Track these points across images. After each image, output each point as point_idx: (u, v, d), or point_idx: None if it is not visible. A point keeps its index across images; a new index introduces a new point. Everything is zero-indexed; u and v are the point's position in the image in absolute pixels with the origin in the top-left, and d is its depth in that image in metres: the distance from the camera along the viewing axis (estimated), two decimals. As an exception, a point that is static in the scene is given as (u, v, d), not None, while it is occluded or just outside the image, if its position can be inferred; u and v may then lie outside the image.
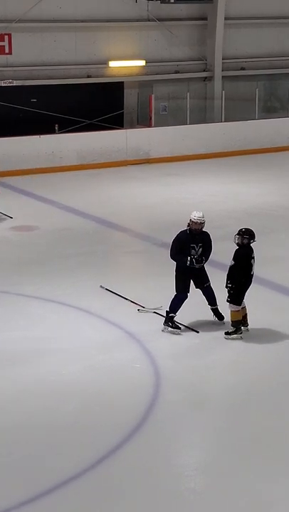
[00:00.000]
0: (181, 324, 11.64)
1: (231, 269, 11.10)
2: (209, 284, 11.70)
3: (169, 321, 11.53)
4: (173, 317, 11.53)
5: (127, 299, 12.69)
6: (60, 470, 8.16)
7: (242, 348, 10.99)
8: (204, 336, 11.34)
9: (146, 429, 8.97)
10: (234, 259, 11.11)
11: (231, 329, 11.19)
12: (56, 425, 9.08)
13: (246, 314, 11.34)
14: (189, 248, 11.47)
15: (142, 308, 12.32)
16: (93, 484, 7.96)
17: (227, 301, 11.14)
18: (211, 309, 11.81)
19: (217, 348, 11.03)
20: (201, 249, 11.51)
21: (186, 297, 11.51)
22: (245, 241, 11.11)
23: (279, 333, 11.46)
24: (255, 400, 9.68)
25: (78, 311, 12.36)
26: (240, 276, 11.02)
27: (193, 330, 11.51)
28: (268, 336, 11.34)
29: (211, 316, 11.75)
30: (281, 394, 9.86)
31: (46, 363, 10.58)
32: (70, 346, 11.09)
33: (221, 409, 9.51)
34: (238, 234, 11.21)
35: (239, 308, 11.14)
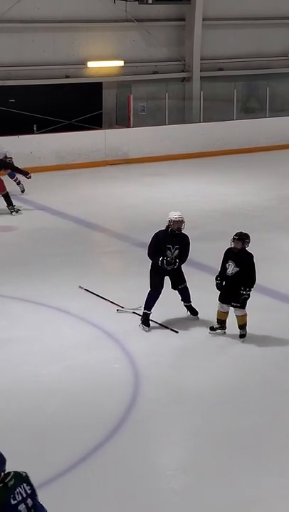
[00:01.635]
0: (159, 324, 11.68)
1: (239, 275, 11.02)
2: (185, 286, 11.80)
3: (143, 318, 11.70)
4: (147, 314, 11.67)
5: (106, 299, 12.70)
6: (38, 471, 8.14)
7: (222, 347, 11.04)
8: (183, 335, 11.37)
9: (125, 428, 8.99)
10: (239, 265, 11.02)
11: (242, 331, 11.27)
12: (36, 426, 9.07)
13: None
14: (165, 248, 11.52)
15: (120, 308, 12.34)
16: (73, 484, 7.97)
17: (235, 306, 11.13)
18: (185, 306, 11.98)
19: (196, 348, 11.06)
20: (177, 251, 11.54)
21: (159, 294, 11.60)
22: (246, 245, 11.18)
23: (259, 332, 11.51)
24: (234, 398, 9.72)
25: (57, 312, 12.35)
26: (253, 280, 11.08)
27: (172, 330, 11.54)
28: (248, 337, 11.38)
29: (189, 315, 11.80)
30: (261, 392, 9.91)
31: (26, 364, 10.57)
32: (49, 347, 11.09)
33: (201, 408, 9.54)
34: (237, 239, 11.12)
35: (246, 311, 11.21)
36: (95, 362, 10.61)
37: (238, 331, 11.31)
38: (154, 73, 27.19)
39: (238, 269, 11.04)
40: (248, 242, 11.21)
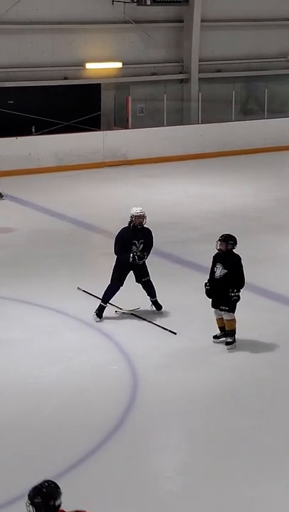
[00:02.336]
0: (157, 325, 11.68)
1: (226, 277, 10.89)
2: (148, 279, 12.17)
3: (97, 310, 12.01)
4: (102, 307, 11.99)
5: (104, 300, 12.70)
6: (36, 472, 8.14)
7: (219, 350, 11.03)
8: (181, 337, 11.37)
9: (123, 430, 8.99)
10: (227, 267, 10.89)
11: (230, 338, 11.05)
12: (34, 427, 9.07)
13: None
14: (131, 244, 11.85)
15: (119, 309, 12.34)
16: (71, 486, 7.94)
17: (224, 309, 10.98)
18: (151, 301, 12.26)
19: (194, 349, 11.06)
20: (142, 245, 11.93)
21: (118, 289, 11.97)
22: (230, 247, 10.99)
23: (257, 335, 11.51)
24: (233, 400, 9.73)
25: (56, 313, 12.35)
26: (240, 282, 10.94)
27: (170, 331, 11.54)
28: (246, 338, 11.38)
29: (187, 316, 11.80)
30: (260, 393, 9.92)
31: (24, 365, 10.58)
32: (47, 348, 11.09)
33: (199, 410, 9.54)
34: (221, 240, 11.02)
35: (234, 316, 11.04)
36: (93, 363, 10.61)
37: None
38: (153, 75, 27.18)
39: (226, 271, 10.92)
40: (232, 244, 11.03)
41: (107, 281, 13.75)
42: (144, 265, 12.11)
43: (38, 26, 24.78)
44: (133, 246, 11.89)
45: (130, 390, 9.85)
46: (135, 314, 12.12)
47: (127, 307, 12.34)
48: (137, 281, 12.21)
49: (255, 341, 11.28)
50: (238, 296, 10.96)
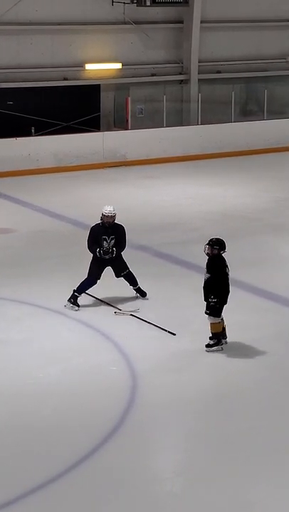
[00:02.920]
0: (157, 326, 11.67)
1: (209, 281, 10.86)
2: (128, 272, 12.70)
3: (72, 298, 12.40)
4: (76, 296, 12.41)
5: (103, 301, 12.70)
6: (36, 473, 8.15)
7: (218, 351, 11.01)
8: (181, 338, 11.35)
9: (123, 431, 8.97)
10: (209, 271, 10.87)
11: (212, 341, 11.00)
12: (33, 428, 9.06)
13: (225, 326, 11.13)
14: (101, 239, 12.39)
15: (118, 310, 12.33)
16: (69, 487, 7.96)
17: (206, 313, 10.95)
18: (134, 289, 12.78)
19: (193, 350, 11.04)
20: (113, 241, 12.44)
21: (95, 283, 12.45)
22: (215, 251, 10.87)
23: (256, 336, 11.49)
24: (231, 402, 9.71)
25: (55, 314, 12.34)
26: (221, 287, 10.83)
27: (169, 332, 11.53)
28: (245, 339, 11.38)
29: (186, 317, 11.79)
30: (259, 394, 9.91)
31: (23, 366, 10.56)
32: (46, 349, 11.08)
33: (198, 411, 9.53)
34: (207, 244, 10.94)
35: (219, 319, 10.99)
36: (93, 364, 10.60)
37: (234, 336, 11.24)
38: (152, 75, 27.19)
39: (208, 275, 10.88)
40: (218, 249, 10.88)
41: (106, 282, 13.76)
42: (120, 260, 12.60)
43: (37, 27, 24.79)
44: (104, 241, 12.42)
45: (129, 391, 9.84)
46: (135, 315, 12.11)
47: (127, 308, 12.33)
48: (117, 276, 12.65)
49: (254, 342, 11.26)
50: (216, 302, 10.82)
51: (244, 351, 11.03)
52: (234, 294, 12.11)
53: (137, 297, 12.81)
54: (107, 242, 12.45)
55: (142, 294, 12.84)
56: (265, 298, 13.10)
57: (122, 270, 12.67)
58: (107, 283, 13.83)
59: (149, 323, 11.84)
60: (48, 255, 15.37)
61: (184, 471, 8.37)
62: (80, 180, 22.42)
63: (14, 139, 23.04)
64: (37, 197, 20.23)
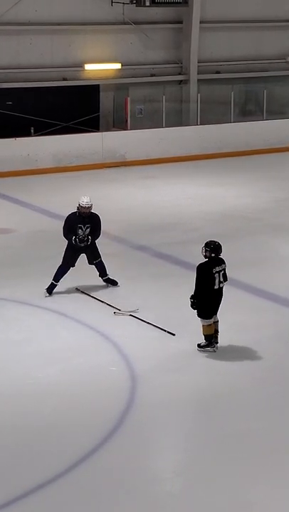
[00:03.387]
0: (156, 326, 11.66)
1: (196, 283, 10.85)
2: (100, 260, 13.30)
3: (49, 287, 12.98)
4: (53, 285, 12.98)
5: (103, 301, 12.69)
6: (35, 473, 8.14)
7: (218, 351, 11.00)
8: (180, 338, 11.34)
9: (122, 432, 8.96)
10: (196, 272, 10.84)
11: (204, 342, 10.95)
12: (33, 428, 9.05)
13: (217, 330, 11.00)
14: (77, 228, 12.94)
15: (117, 310, 12.32)
16: (69, 487, 7.95)
17: (198, 315, 10.91)
18: (103, 279, 13.36)
19: (193, 351, 11.02)
20: (88, 230, 13.00)
21: (68, 269, 13.03)
22: (208, 254, 10.81)
23: (256, 337, 11.49)
24: (231, 402, 9.70)
25: (54, 314, 12.34)
26: (200, 290, 10.74)
27: (169, 332, 11.52)
28: (245, 339, 11.37)
29: (186, 317, 11.78)
30: (258, 395, 9.90)
31: (22, 366, 10.55)
32: (45, 349, 11.06)
33: (198, 411, 9.53)
34: (203, 246, 10.89)
35: (209, 322, 10.89)
36: (92, 364, 10.59)
37: (233, 337, 11.23)
38: (152, 76, 27.18)
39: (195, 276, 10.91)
40: (209, 251, 10.77)
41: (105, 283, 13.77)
42: (94, 248, 13.20)
43: (37, 27, 24.79)
44: (79, 230, 12.96)
45: (129, 391, 9.83)
46: (134, 316, 12.10)
47: (126, 309, 12.32)
48: (89, 263, 13.26)
49: (253, 342, 11.25)
50: (193, 303, 10.77)
51: (244, 351, 11.02)
52: (234, 294, 12.14)
53: (108, 286, 13.36)
54: (83, 231, 12.99)
55: (113, 282, 13.41)
56: (265, 298, 13.10)
57: (95, 258, 13.25)
58: (106, 283, 13.84)
59: (148, 323, 11.83)
60: (47, 255, 15.33)
61: (183, 471, 8.36)
62: (80, 181, 22.41)
63: (13, 139, 23.03)
64: (36, 197, 20.22)
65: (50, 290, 12.98)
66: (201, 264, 10.85)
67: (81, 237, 12.97)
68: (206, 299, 10.78)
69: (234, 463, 8.35)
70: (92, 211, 13.09)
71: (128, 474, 8.16)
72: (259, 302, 12.97)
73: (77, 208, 13.03)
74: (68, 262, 13.09)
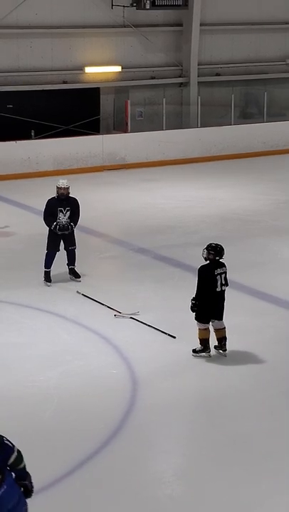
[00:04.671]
0: (157, 329, 11.67)
1: (197, 285, 10.80)
2: (74, 249, 13.81)
3: (44, 275, 13.66)
4: (47, 272, 13.65)
5: (103, 304, 12.70)
6: (35, 478, 8.13)
7: (218, 354, 11.00)
8: (181, 341, 11.34)
9: (123, 435, 8.97)
10: (198, 275, 10.80)
11: (199, 347, 10.89)
12: (32, 431, 9.04)
13: (225, 337, 10.94)
14: (57, 212, 13.52)
15: (118, 313, 12.33)
16: (70, 490, 7.95)
17: (195, 318, 10.86)
18: (69, 268, 13.86)
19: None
20: (68, 213, 13.59)
21: (55, 254, 13.66)
22: (211, 256, 10.79)
23: (257, 339, 11.49)
24: (232, 405, 9.71)
25: (54, 317, 12.34)
26: (202, 292, 10.70)
27: (169, 335, 11.53)
28: (246, 341, 11.37)
29: (187, 320, 11.80)
30: (259, 397, 9.90)
31: (22, 369, 10.56)
32: (46, 352, 11.07)
33: (198, 414, 9.53)
34: (205, 248, 10.85)
35: (206, 326, 10.83)
36: (93, 367, 10.60)
37: (234, 339, 11.22)
38: (152, 78, 27.20)
39: (196, 279, 10.86)
40: (213, 254, 10.73)
41: (106, 285, 13.82)
42: (72, 235, 13.75)
43: (37, 30, 24.81)
44: (60, 213, 13.54)
45: (130, 394, 9.84)
46: (134, 318, 12.11)
47: (127, 311, 12.33)
48: (65, 248, 13.79)
49: (254, 345, 11.26)
50: (194, 305, 10.70)
51: (245, 354, 11.02)
52: (234, 297, 12.13)
53: (70, 278, 13.82)
54: (63, 214, 13.57)
55: (76, 275, 13.83)
56: (265, 301, 13.10)
57: (71, 245, 13.78)
58: (107, 286, 13.86)
59: (149, 326, 11.84)
60: (47, 258, 15.36)
61: (184, 474, 8.36)
62: (80, 184, 22.37)
63: (14, 142, 23.05)
64: (36, 200, 20.12)
65: (47, 278, 13.66)
66: (203, 267, 10.82)
67: (62, 224, 13.54)
68: (207, 302, 10.75)
69: (235, 466, 8.35)
70: (70, 195, 13.70)
71: (129, 477, 8.16)
72: (259, 305, 12.98)
73: (56, 192, 13.66)
74: (53, 248, 13.70)
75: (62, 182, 13.73)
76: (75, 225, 13.77)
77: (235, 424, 9.20)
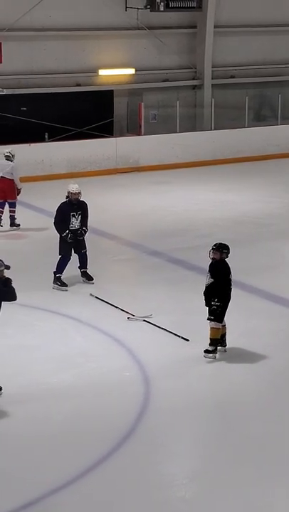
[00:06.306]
0: (170, 332, 11.66)
1: (212, 286, 10.73)
2: (85, 252, 13.88)
3: (57, 281, 13.68)
4: (60, 277, 13.68)
5: (116, 307, 12.70)
6: (49, 479, 8.15)
7: (231, 357, 10.99)
8: (194, 344, 11.33)
9: (135, 437, 8.97)
10: (213, 275, 10.74)
11: (211, 347, 10.89)
12: (45, 433, 9.07)
13: (225, 333, 11.03)
14: (70, 217, 13.63)
15: (131, 316, 12.33)
16: (83, 493, 7.95)
17: (209, 319, 10.82)
18: (81, 271, 13.92)
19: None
20: (80, 217, 13.72)
21: (70, 259, 13.71)
22: (224, 256, 10.83)
23: (270, 342, 11.47)
24: (244, 407, 9.70)
25: (68, 319, 12.36)
26: (224, 292, 10.74)
27: (182, 338, 11.51)
28: (258, 345, 11.35)
29: (200, 323, 11.79)
30: (273, 400, 9.88)
31: (35, 371, 10.57)
32: (59, 354, 11.08)
33: (211, 417, 9.52)
34: (215, 249, 10.86)
35: (220, 325, 10.87)
36: (106, 370, 10.61)
37: (246, 342, 11.20)
38: (165, 81, 27.20)
39: (212, 280, 10.76)
40: (227, 253, 10.84)
41: (119, 288, 13.82)
42: (82, 239, 13.84)
43: (51, 33, 24.84)
44: (72, 218, 13.65)
45: (142, 397, 9.84)
46: (148, 321, 12.11)
47: (140, 314, 12.33)
48: (76, 252, 13.84)
49: (267, 348, 11.24)
50: (219, 306, 10.70)
51: (257, 357, 11.00)
52: (246, 300, 12.10)
53: (83, 281, 13.86)
54: (76, 218, 13.70)
55: (89, 278, 13.90)
56: (279, 304, 13.07)
57: (83, 248, 13.85)
58: (121, 289, 13.86)
59: (162, 328, 11.83)
60: (61, 261, 15.37)
61: (197, 476, 8.35)
62: (93, 186, 22.40)
63: (28, 144, 23.08)
64: (50, 203, 20.12)
65: (62, 283, 13.69)
66: (220, 266, 10.77)
67: (74, 229, 13.63)
68: (227, 301, 10.78)
69: (248, 468, 8.33)
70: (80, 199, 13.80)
71: (142, 479, 8.16)
72: (273, 308, 12.95)
73: (67, 197, 13.76)
74: (66, 252, 13.73)
75: (76, 187, 13.77)
76: (87, 229, 13.89)
77: (248, 427, 9.18)
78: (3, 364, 10.69)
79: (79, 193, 13.74)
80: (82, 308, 12.78)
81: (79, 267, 13.96)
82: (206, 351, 10.92)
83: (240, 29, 27.89)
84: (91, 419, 9.36)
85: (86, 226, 13.86)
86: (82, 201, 13.89)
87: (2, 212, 17.94)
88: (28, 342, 11.54)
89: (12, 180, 17.92)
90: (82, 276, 13.95)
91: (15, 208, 18.07)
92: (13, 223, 17.94)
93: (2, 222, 17.93)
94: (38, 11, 24.34)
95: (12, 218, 17.95)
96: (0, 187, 17.87)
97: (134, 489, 7.99)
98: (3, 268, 9.76)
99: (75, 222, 13.69)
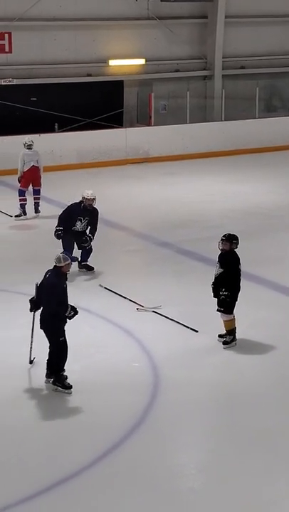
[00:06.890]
0: (179, 323, 11.67)
1: (222, 276, 10.74)
2: (90, 247, 13.79)
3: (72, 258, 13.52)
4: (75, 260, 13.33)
5: (126, 297, 12.70)
6: (58, 469, 8.18)
7: (241, 348, 10.99)
8: (203, 335, 11.33)
9: (145, 428, 8.98)
10: (223, 266, 10.75)
11: (228, 338, 10.93)
12: (54, 424, 9.09)
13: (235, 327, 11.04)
14: (76, 219, 13.58)
15: (141, 307, 12.33)
16: (92, 483, 7.98)
17: (219, 311, 10.86)
18: (82, 264, 13.85)
19: (216, 348, 11.02)
20: (86, 222, 13.64)
21: (72, 251, 13.35)
22: (234, 246, 10.83)
23: (279, 334, 11.45)
24: (253, 399, 9.69)
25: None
26: (234, 282, 10.75)
27: (192, 329, 11.51)
28: (267, 336, 11.34)
29: (209, 314, 11.78)
30: (282, 392, 9.87)
31: (45, 363, 10.58)
32: (69, 345, 11.05)
33: (220, 408, 9.52)
34: (226, 240, 10.84)
35: (232, 316, 10.89)
36: (115, 360, 10.62)
37: (256, 334, 11.18)
38: (176, 71, 27.15)
39: (222, 270, 10.75)
40: (236, 244, 10.85)
41: (129, 278, 13.81)
42: (84, 234, 13.74)
43: (61, 23, 24.83)
44: (78, 221, 13.60)
45: (151, 387, 9.85)
46: (157, 312, 12.11)
47: (149, 305, 12.33)
48: (79, 248, 13.81)
49: (277, 340, 11.22)
50: (227, 296, 10.71)
51: (266, 348, 11.00)
52: (256, 291, 12.08)
53: (83, 272, 13.83)
54: (81, 223, 13.64)
55: (89, 268, 13.91)
56: (288, 295, 13.04)
57: (85, 242, 13.73)
58: (130, 280, 13.86)
59: (171, 319, 11.83)
60: (70, 251, 15.38)
61: (205, 468, 8.36)
62: (103, 177, 22.42)
63: (38, 135, 23.03)
64: (59, 193, 20.21)
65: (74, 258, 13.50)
66: (231, 256, 10.77)
67: (76, 230, 13.56)
68: (237, 292, 10.79)
69: (257, 460, 8.34)
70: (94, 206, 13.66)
71: (150, 470, 8.18)
72: (281, 299, 12.93)
73: (80, 201, 13.64)
74: (69, 248, 13.46)
75: (92, 193, 13.66)
76: (93, 236, 13.78)
77: (257, 419, 9.19)
78: (14, 354, 10.73)
79: (94, 199, 13.65)
80: (92, 299, 12.77)
81: (80, 261, 13.86)
82: (224, 342, 10.94)
83: (251, 19, 27.81)
84: (100, 410, 9.38)
85: (93, 234, 13.78)
86: (95, 208, 13.76)
87: (26, 200, 18.04)
88: (38, 333, 11.51)
89: (38, 168, 18.07)
90: (80, 268, 13.86)
91: (39, 195, 18.21)
92: (37, 209, 18.16)
93: (24, 211, 17.99)
94: (48, 1, 24.34)
95: (37, 205, 18.15)
96: (31, 175, 17.99)
97: (143, 479, 8.02)
98: (69, 261, 10.18)
99: (79, 226, 13.65)
